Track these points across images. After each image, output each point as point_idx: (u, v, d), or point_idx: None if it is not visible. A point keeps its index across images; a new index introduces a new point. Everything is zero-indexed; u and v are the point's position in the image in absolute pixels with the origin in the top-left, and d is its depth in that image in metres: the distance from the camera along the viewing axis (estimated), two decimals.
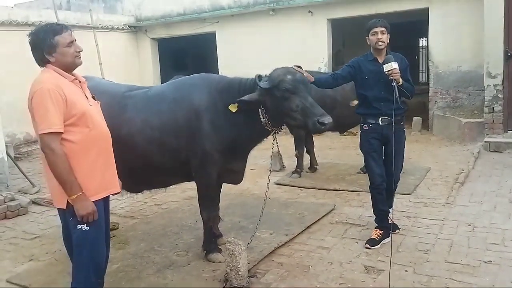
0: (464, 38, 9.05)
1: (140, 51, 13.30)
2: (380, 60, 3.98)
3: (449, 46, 9.25)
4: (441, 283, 3.40)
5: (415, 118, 9.81)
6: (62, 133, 2.57)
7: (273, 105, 3.58)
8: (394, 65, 3.77)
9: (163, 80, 12.96)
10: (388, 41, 3.99)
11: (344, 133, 8.26)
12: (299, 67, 3.86)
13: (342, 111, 6.39)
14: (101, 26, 11.70)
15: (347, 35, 13.50)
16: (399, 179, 4.30)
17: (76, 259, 2.74)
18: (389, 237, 4.06)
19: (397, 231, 4.30)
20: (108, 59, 10.49)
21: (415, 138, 9.14)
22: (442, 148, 8.18)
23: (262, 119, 3.65)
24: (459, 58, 9.18)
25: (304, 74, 3.74)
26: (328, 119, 3.47)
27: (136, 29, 13.16)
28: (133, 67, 12.85)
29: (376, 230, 4.19)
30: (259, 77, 3.62)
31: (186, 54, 15.79)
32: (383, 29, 3.96)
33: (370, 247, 4.04)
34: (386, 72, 3.79)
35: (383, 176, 4.13)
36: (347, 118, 6.50)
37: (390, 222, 4.18)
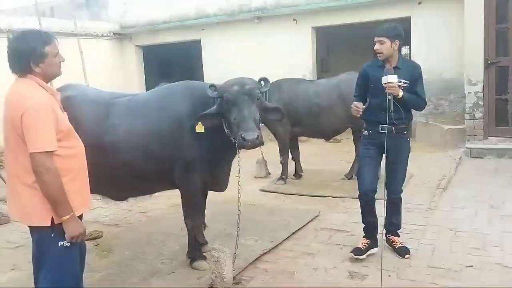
0: (446, 46, 9.22)
1: (125, 59, 13.24)
2: (398, 64, 3.86)
3: (431, 54, 9.41)
4: None
5: None
6: (56, 151, 2.49)
7: (224, 115, 3.58)
8: (391, 78, 3.65)
9: (148, 88, 12.89)
10: (396, 48, 3.77)
11: (330, 140, 8.31)
12: (266, 80, 3.73)
13: (328, 118, 6.48)
14: (85, 33, 11.60)
15: (331, 43, 13.66)
16: (400, 191, 4.08)
17: (55, 276, 2.60)
18: (377, 248, 4.04)
19: (406, 256, 3.95)
20: (92, 67, 10.42)
21: None
22: (425, 154, 8.28)
23: (226, 130, 3.63)
24: (441, 65, 9.34)
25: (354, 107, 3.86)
26: (249, 136, 3.31)
27: (121, 36, 13.11)
28: (118, 75, 12.76)
29: (363, 239, 4.12)
30: (211, 86, 3.61)
31: (171, 61, 15.78)
32: (381, 38, 3.74)
33: (355, 256, 3.98)
34: (383, 85, 3.70)
35: (372, 185, 3.97)
36: (333, 125, 6.60)
37: (399, 245, 4.04)
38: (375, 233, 4.10)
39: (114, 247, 4.54)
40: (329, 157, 8.64)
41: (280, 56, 10.74)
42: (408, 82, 3.78)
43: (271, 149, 7.32)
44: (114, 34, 12.89)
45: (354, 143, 6.80)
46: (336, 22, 10.37)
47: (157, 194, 4.49)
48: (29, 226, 2.67)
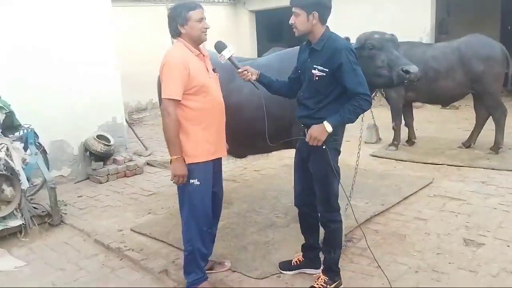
0: None
1: (238, 24, 13.68)
2: (314, 44, 2.93)
3: None
4: None
5: None
6: (180, 101, 2.94)
7: (362, 68, 3.59)
8: (226, 53, 3.08)
9: (259, 52, 13.25)
10: (315, 22, 2.86)
11: (447, 107, 7.93)
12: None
13: (446, 83, 6.19)
14: (203, 0, 12.22)
15: (452, 2, 12.65)
16: (322, 211, 3.07)
17: (189, 210, 3.10)
18: (314, 269, 3.32)
19: None
20: (208, 32, 10.97)
21: None
22: None
23: None
24: None
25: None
26: (413, 68, 3.33)
27: (235, 1, 13.53)
28: (231, 39, 13.19)
29: (298, 255, 3.42)
30: (346, 39, 3.57)
31: (282, 26, 15.86)
32: (294, 9, 2.87)
33: (280, 269, 3.38)
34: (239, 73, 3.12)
35: (300, 199, 3.21)
36: (451, 90, 6.28)
37: (318, 285, 3.10)
38: (311, 253, 3.35)
39: (233, 200, 4.95)
40: (445, 124, 8.25)
41: (395, 17, 10.25)
42: (326, 70, 2.82)
43: (382, 114, 7.22)
44: (229, 0, 13.34)
45: (475, 110, 6.45)
46: None
47: (270, 154, 4.77)
48: None
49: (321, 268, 3.23)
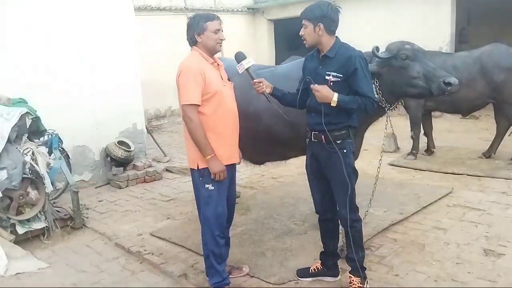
0: None
1: (256, 32, 13.79)
2: (327, 52, 3.04)
3: None
4: None
5: None
6: (199, 105, 3.01)
7: (390, 76, 3.57)
8: (245, 63, 3.15)
9: (277, 60, 13.32)
10: (321, 33, 2.98)
11: (466, 117, 7.85)
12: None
13: (466, 93, 6.13)
14: (222, 9, 12.37)
15: (473, 11, 12.54)
16: (343, 215, 3.08)
17: (203, 215, 3.20)
18: (332, 277, 3.39)
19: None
20: (227, 40, 11.06)
21: None
22: None
23: (376, 96, 3.61)
24: None
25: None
26: (454, 80, 3.37)
27: (254, 10, 13.66)
28: (250, 48, 13.31)
29: (317, 263, 3.47)
30: (377, 48, 3.62)
31: (299, 35, 15.96)
32: (303, 22, 3.04)
33: (297, 276, 3.44)
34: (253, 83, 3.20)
35: (322, 206, 3.29)
36: (471, 101, 6.24)
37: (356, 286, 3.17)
38: (330, 261, 3.39)
39: (251, 206, 5.00)
40: (465, 134, 8.17)
41: (415, 26, 10.22)
42: (340, 75, 2.93)
43: (401, 123, 7.20)
44: (248, 8, 13.47)
45: (496, 120, 6.38)
46: None
47: (288, 162, 4.79)
48: (190, 168, 3.26)
49: (349, 271, 3.22)
